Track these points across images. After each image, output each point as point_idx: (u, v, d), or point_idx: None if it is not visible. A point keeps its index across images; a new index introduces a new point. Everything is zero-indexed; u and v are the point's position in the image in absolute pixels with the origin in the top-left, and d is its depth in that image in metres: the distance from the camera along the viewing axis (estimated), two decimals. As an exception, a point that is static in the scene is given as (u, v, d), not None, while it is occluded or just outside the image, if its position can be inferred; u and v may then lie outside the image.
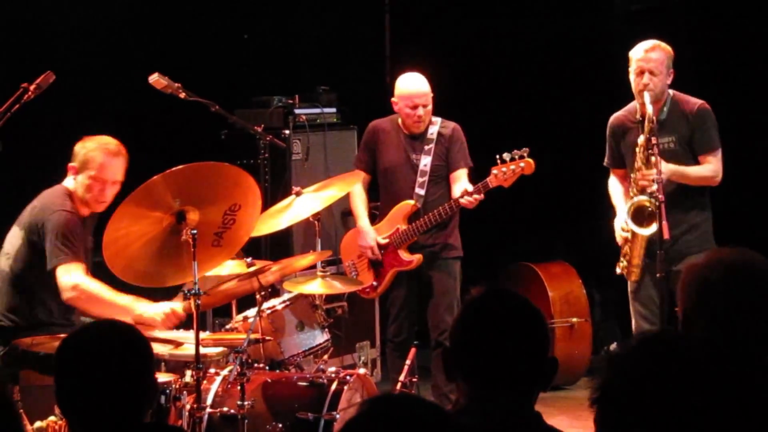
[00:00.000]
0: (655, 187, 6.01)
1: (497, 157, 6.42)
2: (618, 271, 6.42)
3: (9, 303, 5.72)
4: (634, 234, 6.24)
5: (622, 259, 6.37)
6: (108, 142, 5.76)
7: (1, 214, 6.35)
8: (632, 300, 6.46)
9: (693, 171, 6.29)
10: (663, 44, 6.34)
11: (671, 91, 6.36)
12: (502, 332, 2.75)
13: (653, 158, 6.05)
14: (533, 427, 2.77)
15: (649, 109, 6.11)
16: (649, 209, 6.11)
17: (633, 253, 6.29)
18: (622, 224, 6.31)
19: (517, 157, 6.43)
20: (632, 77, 6.31)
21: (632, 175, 6.26)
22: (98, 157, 5.70)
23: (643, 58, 6.27)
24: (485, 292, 2.85)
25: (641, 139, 6.17)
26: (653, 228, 6.06)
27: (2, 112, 5.49)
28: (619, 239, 6.37)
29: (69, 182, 5.78)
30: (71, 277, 5.51)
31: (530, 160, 6.45)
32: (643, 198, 6.16)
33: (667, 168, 6.12)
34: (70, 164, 5.77)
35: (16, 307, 5.70)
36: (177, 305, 5.43)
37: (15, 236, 5.75)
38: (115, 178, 5.73)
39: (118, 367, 2.90)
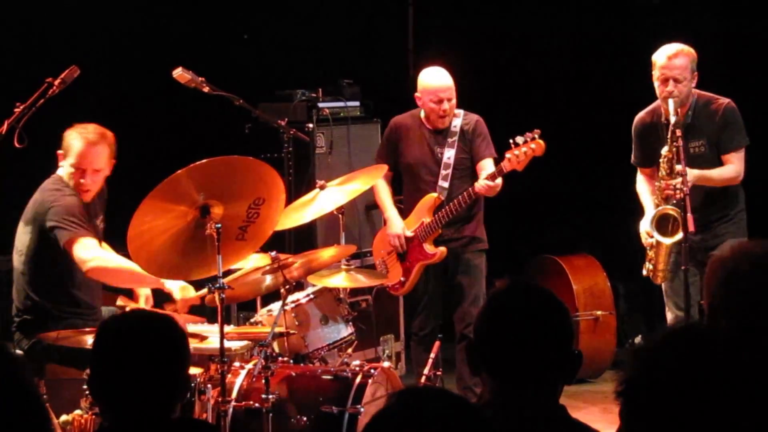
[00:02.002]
0: (680, 195, 5.98)
1: (511, 140, 6.38)
2: (644, 273, 6.41)
3: (26, 299, 5.72)
4: (658, 242, 6.23)
5: (647, 263, 6.36)
6: (89, 130, 5.67)
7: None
8: (667, 292, 6.46)
9: (716, 174, 6.26)
10: (686, 48, 6.24)
11: (696, 92, 6.30)
12: (526, 325, 2.75)
13: (678, 166, 6.01)
14: (558, 420, 2.77)
15: (672, 119, 6.05)
16: (674, 217, 6.09)
17: (658, 259, 6.28)
18: (647, 229, 6.29)
19: (528, 139, 6.37)
20: (656, 83, 6.26)
21: (657, 184, 6.22)
22: (77, 145, 5.63)
23: (666, 65, 6.19)
24: (510, 285, 2.85)
25: (665, 150, 6.11)
26: (677, 237, 6.05)
27: (27, 107, 5.50)
28: (644, 241, 6.35)
29: (61, 169, 5.76)
30: (87, 250, 5.50)
31: (541, 141, 6.35)
32: (667, 207, 6.13)
33: (692, 174, 6.04)
34: (59, 151, 5.74)
35: (34, 302, 5.70)
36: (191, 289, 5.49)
37: (23, 232, 5.74)
38: (95, 167, 5.66)
39: (155, 357, 2.90)
